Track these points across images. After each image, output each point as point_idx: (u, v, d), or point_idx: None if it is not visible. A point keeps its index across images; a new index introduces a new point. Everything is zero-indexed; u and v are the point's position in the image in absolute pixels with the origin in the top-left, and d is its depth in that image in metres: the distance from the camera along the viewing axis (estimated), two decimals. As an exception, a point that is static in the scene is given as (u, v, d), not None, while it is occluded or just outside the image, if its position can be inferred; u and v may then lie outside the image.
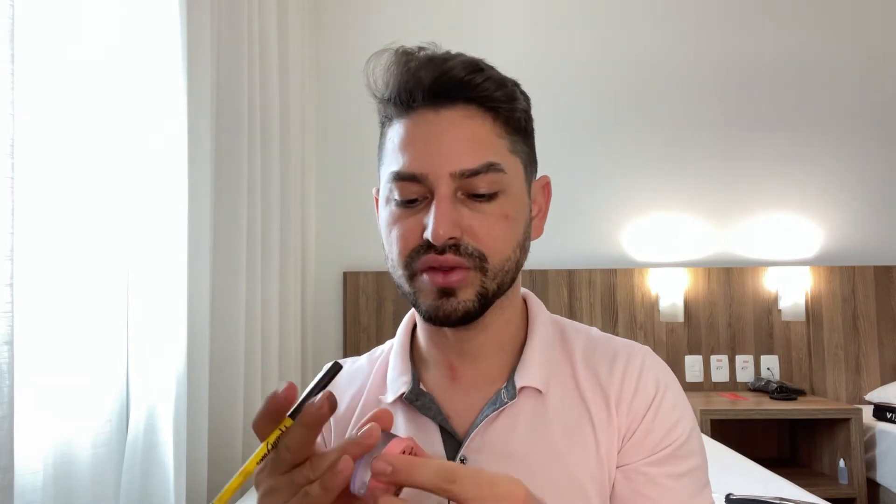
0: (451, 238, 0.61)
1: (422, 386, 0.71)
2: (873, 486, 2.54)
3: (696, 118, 3.16)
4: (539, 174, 0.73)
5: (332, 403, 0.47)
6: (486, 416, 0.67)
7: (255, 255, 2.13)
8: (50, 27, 1.28)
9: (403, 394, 0.70)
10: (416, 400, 0.69)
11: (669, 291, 3.01)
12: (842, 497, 2.45)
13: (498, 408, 0.67)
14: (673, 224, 3.13)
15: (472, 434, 0.67)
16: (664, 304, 3.00)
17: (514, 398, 0.67)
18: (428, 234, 0.61)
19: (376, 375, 0.75)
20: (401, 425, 0.70)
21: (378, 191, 0.71)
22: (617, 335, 0.76)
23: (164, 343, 1.57)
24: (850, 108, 3.14)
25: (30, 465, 1.16)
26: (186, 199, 1.65)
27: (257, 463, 0.48)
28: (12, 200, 1.02)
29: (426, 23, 3.10)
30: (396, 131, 0.67)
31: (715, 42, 3.18)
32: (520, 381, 0.68)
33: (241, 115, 2.03)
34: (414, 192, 0.64)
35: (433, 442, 0.68)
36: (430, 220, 0.62)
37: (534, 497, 0.48)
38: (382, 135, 0.70)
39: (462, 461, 0.66)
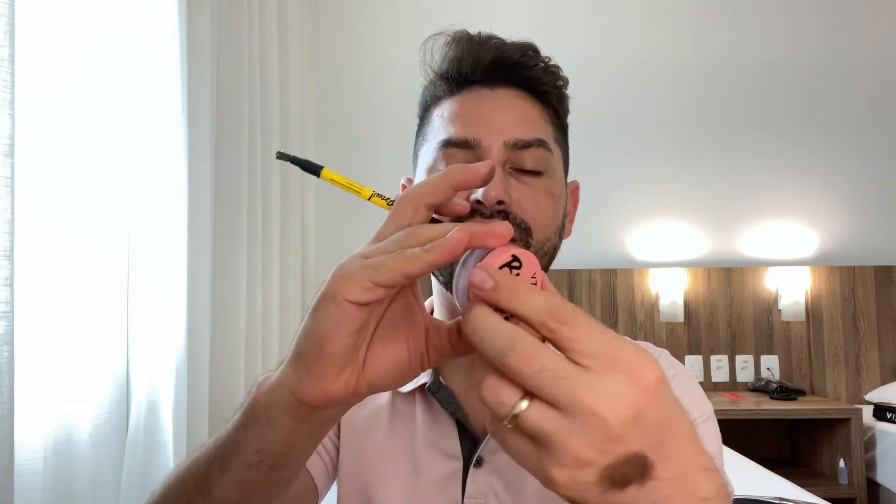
0: (500, 203, 0.61)
1: (441, 379, 0.69)
2: (873, 486, 2.54)
3: (696, 119, 3.16)
4: None
5: (490, 175, 0.39)
6: None
7: (255, 252, 2.14)
8: (49, 27, 1.28)
9: (425, 384, 0.69)
10: (438, 392, 0.68)
11: (669, 291, 3.01)
12: (842, 497, 2.44)
13: None
14: (673, 224, 3.12)
15: (490, 435, 0.66)
16: (664, 304, 3.00)
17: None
18: (478, 195, 0.60)
19: None
20: (418, 416, 0.69)
21: (408, 179, 0.73)
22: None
23: (164, 340, 1.57)
24: (851, 108, 3.14)
25: (30, 458, 1.16)
26: (186, 197, 1.66)
27: (369, 198, 0.44)
28: (12, 200, 1.01)
29: (428, 24, 3.10)
30: (447, 107, 0.68)
31: (716, 46, 3.17)
32: None
33: (241, 115, 2.03)
34: (463, 159, 0.64)
35: (450, 438, 0.67)
36: None
37: (670, 391, 0.33)
38: (426, 115, 0.71)
39: (479, 462, 0.66)
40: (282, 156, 0.45)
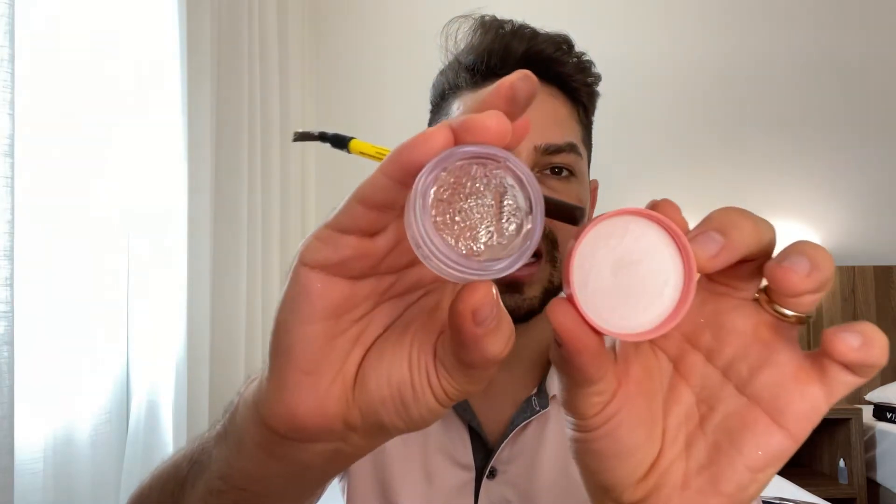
0: None
1: None
2: (873, 486, 2.54)
3: (696, 119, 3.16)
4: None
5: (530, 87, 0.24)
6: (517, 425, 0.64)
7: (255, 252, 2.14)
8: (49, 27, 1.28)
9: None
10: None
11: (669, 291, 3.01)
12: (842, 497, 2.44)
13: (528, 416, 0.64)
14: (673, 224, 3.12)
15: (503, 445, 0.64)
16: (664, 304, 3.00)
17: (545, 407, 0.64)
18: None
19: None
20: None
21: None
22: None
23: (164, 340, 1.57)
24: (850, 108, 3.14)
25: (30, 458, 1.16)
26: (186, 197, 1.66)
27: None
28: (12, 200, 1.01)
29: (429, 22, 3.09)
30: (470, 100, 0.63)
31: (715, 46, 3.17)
32: (552, 389, 0.65)
33: (241, 115, 2.03)
34: None
35: (463, 447, 0.65)
36: None
37: None
38: (442, 105, 0.66)
39: (492, 473, 0.64)
40: (301, 136, 0.36)
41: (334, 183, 3.12)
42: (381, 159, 0.26)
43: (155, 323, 1.56)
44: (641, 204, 0.28)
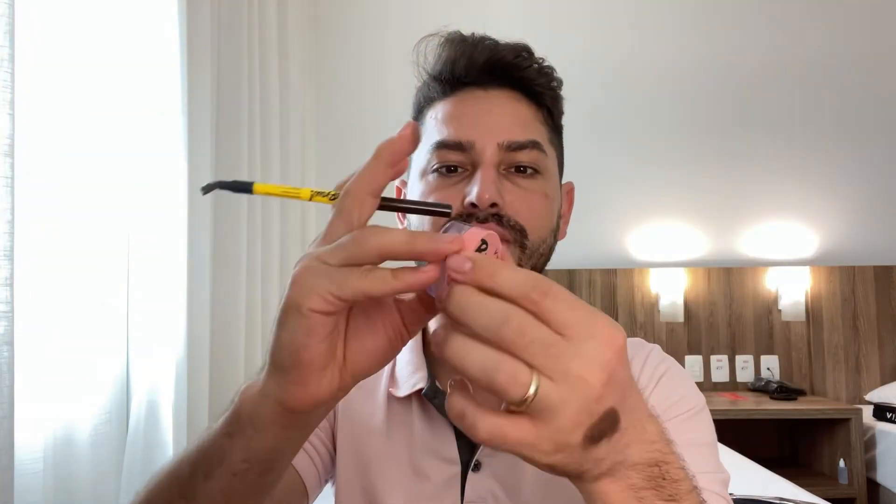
0: (493, 205, 0.61)
1: (437, 384, 0.69)
2: (873, 486, 2.54)
3: (696, 119, 3.16)
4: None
5: (416, 135, 0.38)
6: None
7: (255, 252, 2.14)
8: (49, 27, 1.28)
9: (422, 389, 0.68)
10: (435, 398, 0.68)
11: (669, 291, 3.01)
12: (842, 497, 2.44)
13: None
14: (673, 224, 3.12)
15: None
16: (664, 304, 3.00)
17: None
18: (472, 198, 0.61)
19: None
20: (415, 421, 0.69)
21: (402, 181, 0.73)
22: None
23: (164, 340, 1.57)
24: (850, 108, 3.14)
25: (30, 458, 1.16)
26: (186, 197, 1.66)
27: (310, 199, 0.40)
28: (12, 200, 1.01)
29: (430, 22, 3.09)
30: (440, 109, 0.68)
31: (716, 46, 3.17)
32: None
33: (241, 116, 2.03)
34: (457, 161, 0.64)
35: (448, 443, 0.67)
36: (475, 186, 0.62)
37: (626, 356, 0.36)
38: (419, 117, 0.72)
39: (477, 466, 0.66)
40: (208, 188, 0.41)
41: (335, 183, 3.12)
42: (286, 195, 0.40)
43: (155, 323, 1.56)
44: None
